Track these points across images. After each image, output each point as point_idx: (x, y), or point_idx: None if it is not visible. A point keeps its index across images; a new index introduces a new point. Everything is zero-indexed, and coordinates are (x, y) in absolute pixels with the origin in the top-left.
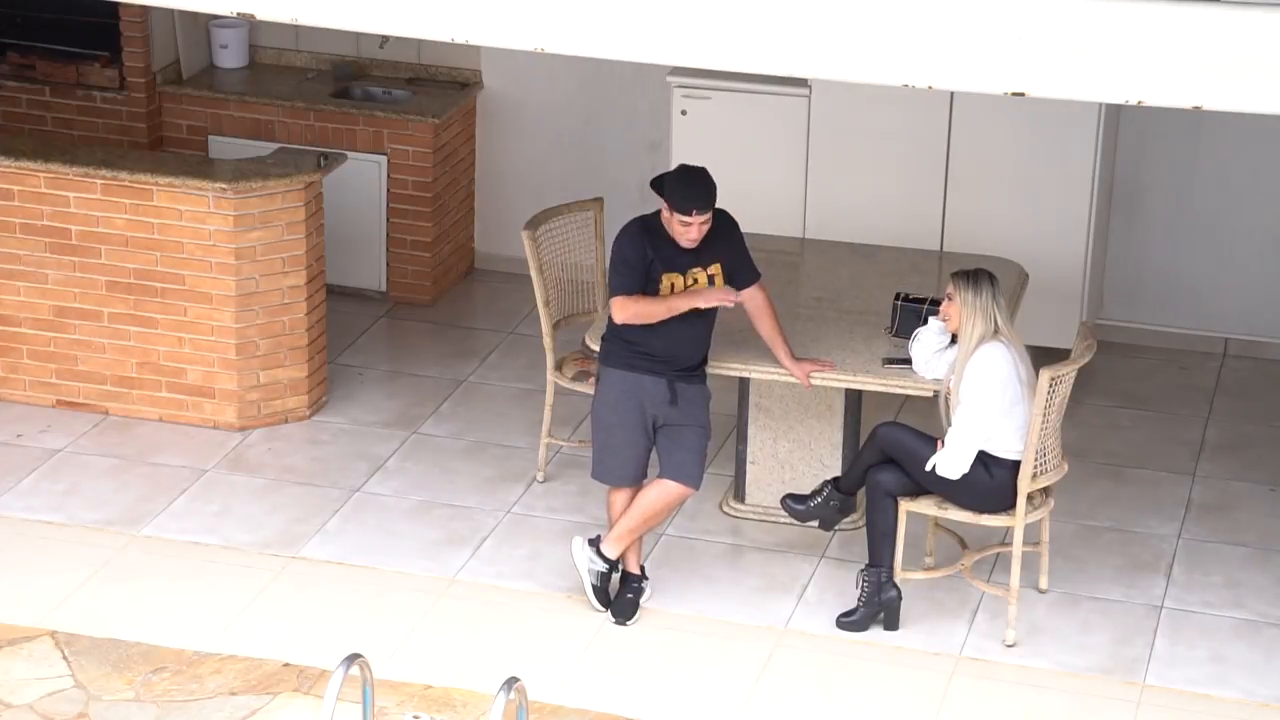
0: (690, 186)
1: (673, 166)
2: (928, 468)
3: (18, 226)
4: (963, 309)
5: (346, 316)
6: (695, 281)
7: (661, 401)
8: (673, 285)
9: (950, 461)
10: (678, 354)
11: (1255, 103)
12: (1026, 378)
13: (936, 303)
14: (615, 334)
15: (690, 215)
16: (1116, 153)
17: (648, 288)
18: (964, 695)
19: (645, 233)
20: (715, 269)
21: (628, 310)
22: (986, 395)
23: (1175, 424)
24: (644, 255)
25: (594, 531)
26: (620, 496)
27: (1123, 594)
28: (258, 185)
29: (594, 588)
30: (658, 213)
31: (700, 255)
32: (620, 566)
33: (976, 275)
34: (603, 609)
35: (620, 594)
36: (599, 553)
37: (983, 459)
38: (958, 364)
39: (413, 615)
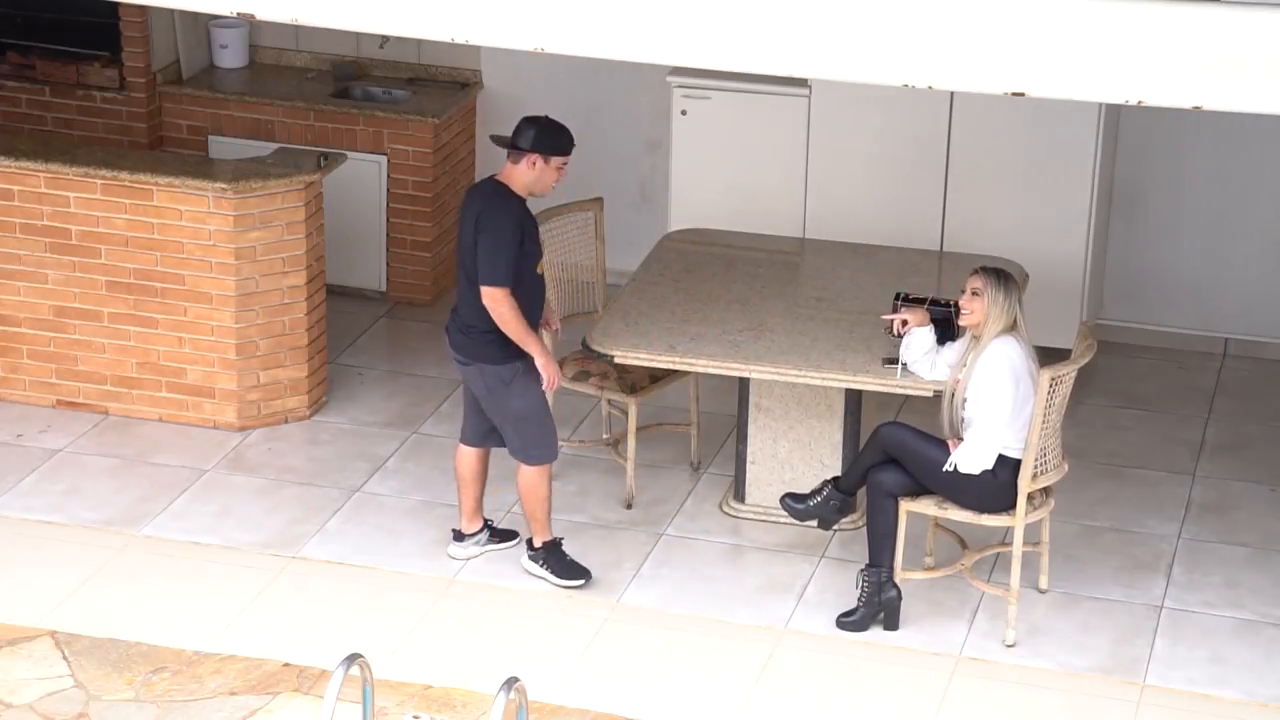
0: (560, 129)
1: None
2: (946, 467)
3: (18, 226)
4: (990, 307)
5: (346, 316)
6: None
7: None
8: (537, 266)
9: (972, 457)
10: (535, 323)
11: (1255, 103)
12: (1036, 375)
13: (936, 303)
14: (494, 329)
15: (569, 154)
16: (1116, 153)
17: (522, 265)
18: (964, 695)
19: (520, 209)
20: None
21: (505, 309)
22: (1003, 388)
23: (1175, 424)
24: (521, 239)
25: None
26: (478, 456)
27: (1123, 594)
28: (258, 185)
29: (558, 575)
30: (503, 184)
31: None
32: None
33: (1005, 275)
34: (581, 580)
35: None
36: (535, 550)
37: None
38: (971, 360)
39: (413, 615)
